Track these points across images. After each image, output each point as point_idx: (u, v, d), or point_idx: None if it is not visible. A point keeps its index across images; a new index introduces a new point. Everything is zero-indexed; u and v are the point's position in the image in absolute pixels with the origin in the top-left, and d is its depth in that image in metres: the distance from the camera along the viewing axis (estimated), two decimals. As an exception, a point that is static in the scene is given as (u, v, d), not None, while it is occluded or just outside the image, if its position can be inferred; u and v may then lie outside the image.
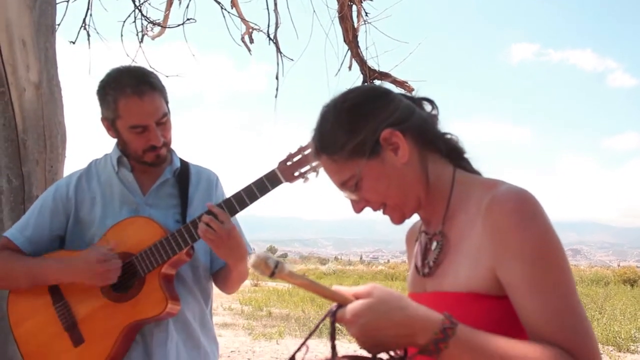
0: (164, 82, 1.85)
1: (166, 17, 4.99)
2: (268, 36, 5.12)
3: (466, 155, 1.21)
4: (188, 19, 5.21)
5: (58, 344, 1.77)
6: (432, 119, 1.19)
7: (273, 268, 0.88)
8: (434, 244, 1.16)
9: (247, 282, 21.72)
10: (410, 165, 1.12)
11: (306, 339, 0.95)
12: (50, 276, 1.77)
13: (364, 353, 0.96)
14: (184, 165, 1.97)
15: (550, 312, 0.95)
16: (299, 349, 0.96)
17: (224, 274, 1.92)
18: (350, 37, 5.05)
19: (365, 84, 5.24)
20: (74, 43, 4.12)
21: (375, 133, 1.10)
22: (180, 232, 1.73)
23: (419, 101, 1.21)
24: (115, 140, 1.91)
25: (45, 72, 2.53)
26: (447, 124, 1.23)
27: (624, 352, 8.26)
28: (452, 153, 1.18)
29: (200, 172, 2.00)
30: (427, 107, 1.22)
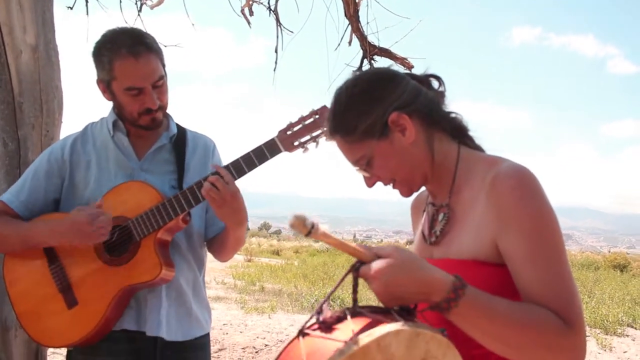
0: (163, 52, 1.83)
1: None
2: (269, 8, 5.05)
3: (471, 134, 1.30)
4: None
5: (52, 305, 1.77)
6: (439, 97, 1.28)
7: (310, 228, 0.99)
8: (441, 215, 1.26)
9: (241, 258, 21.84)
10: (417, 145, 1.21)
11: (330, 293, 1.06)
12: (39, 239, 1.76)
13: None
14: (181, 131, 1.95)
15: (544, 280, 1.05)
16: (325, 301, 1.05)
17: (220, 239, 1.92)
18: (352, 12, 4.99)
19: (366, 60, 5.22)
20: (71, 8, 4.05)
21: (383, 116, 1.19)
22: (177, 198, 1.72)
23: (426, 78, 1.29)
24: (111, 104, 1.89)
25: (42, 35, 2.49)
26: (451, 103, 1.30)
27: (611, 335, 8.39)
28: (457, 131, 1.27)
29: (197, 138, 1.99)
30: (435, 84, 1.30)
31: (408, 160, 1.22)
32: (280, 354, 1.04)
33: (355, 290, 1.05)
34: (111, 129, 1.87)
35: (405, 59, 5.31)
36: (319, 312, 1.05)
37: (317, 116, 1.76)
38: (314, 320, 1.05)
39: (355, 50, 5.51)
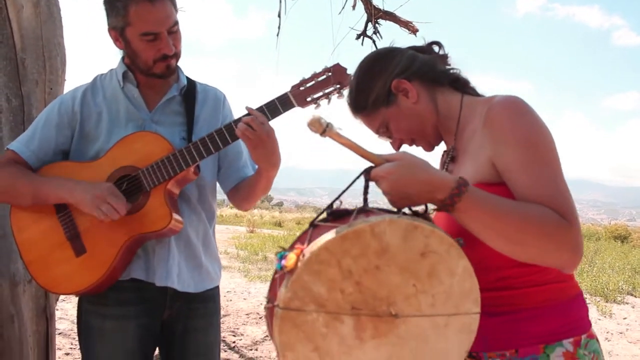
0: None
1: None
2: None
3: (472, 85, 1.40)
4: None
5: (60, 253, 1.78)
6: (442, 59, 1.41)
7: (325, 126, 1.08)
8: (448, 156, 1.37)
9: (243, 229, 21.96)
10: (421, 103, 1.34)
11: (341, 193, 1.17)
12: (53, 200, 1.76)
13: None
14: (191, 83, 1.93)
15: (539, 184, 1.11)
16: (334, 201, 1.15)
17: (250, 184, 1.91)
18: (356, -26, 4.91)
19: (370, 23, 5.17)
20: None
21: (385, 86, 1.34)
22: (189, 149, 1.72)
23: (428, 47, 1.44)
24: (119, 56, 1.87)
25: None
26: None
27: (611, 303, 8.47)
28: (457, 83, 1.38)
29: (207, 90, 1.97)
30: (436, 49, 1.44)
31: (417, 118, 1.36)
32: (294, 241, 1.11)
33: (365, 192, 1.13)
34: (121, 80, 1.84)
35: (410, 22, 5.23)
36: (330, 209, 1.13)
37: (329, 74, 1.76)
38: (324, 215, 1.13)
39: (360, 14, 5.44)
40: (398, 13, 5.21)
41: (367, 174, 1.13)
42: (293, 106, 1.74)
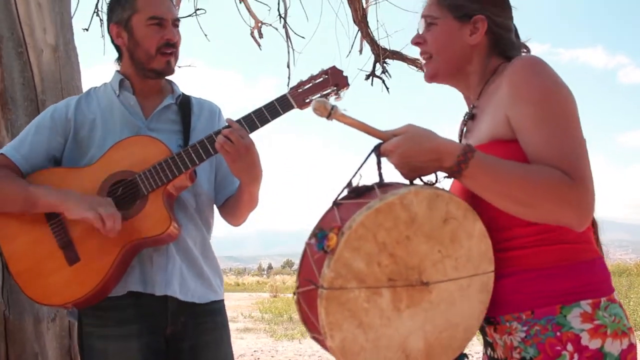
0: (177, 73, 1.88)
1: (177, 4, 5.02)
2: (279, 14, 5.08)
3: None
4: (198, 9, 5.24)
5: (51, 263, 1.69)
6: (523, 47, 1.38)
7: (330, 110, 1.12)
8: (469, 115, 1.35)
9: (266, 295, 21.66)
10: (472, 50, 1.31)
11: (356, 171, 1.16)
12: (44, 207, 1.68)
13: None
14: (185, 96, 1.95)
15: (550, 142, 1.11)
16: (351, 179, 1.16)
17: (234, 199, 1.88)
18: (360, 17, 5.03)
19: (378, 64, 5.26)
20: (87, 30, 4.13)
21: (474, 9, 1.29)
22: (187, 152, 1.69)
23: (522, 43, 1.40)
24: (112, 73, 1.90)
25: (61, 36, 2.54)
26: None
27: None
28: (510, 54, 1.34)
29: (202, 102, 1.98)
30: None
31: (455, 51, 1.32)
32: (319, 222, 1.13)
33: (379, 167, 1.16)
34: (117, 88, 1.85)
35: (417, 59, 5.34)
36: (349, 185, 1.16)
37: (326, 76, 1.77)
38: (345, 193, 1.16)
39: (367, 56, 5.56)
40: (405, 51, 5.33)
41: (377, 150, 1.15)
42: (292, 107, 1.74)
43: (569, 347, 1.10)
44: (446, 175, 1.15)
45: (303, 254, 1.14)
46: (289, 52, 5.94)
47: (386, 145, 1.14)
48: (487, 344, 1.29)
